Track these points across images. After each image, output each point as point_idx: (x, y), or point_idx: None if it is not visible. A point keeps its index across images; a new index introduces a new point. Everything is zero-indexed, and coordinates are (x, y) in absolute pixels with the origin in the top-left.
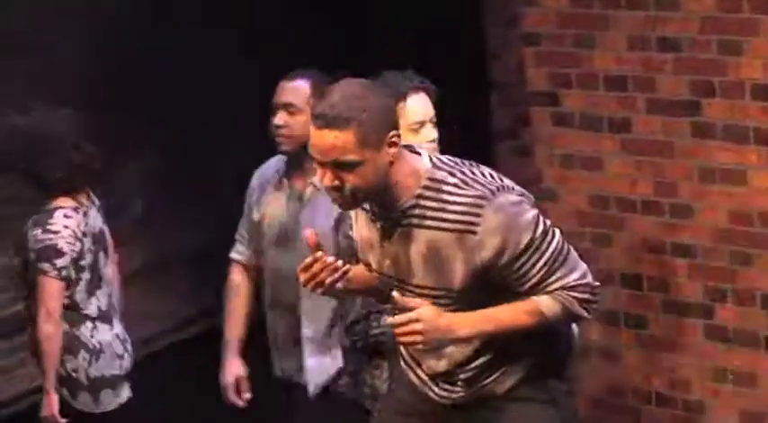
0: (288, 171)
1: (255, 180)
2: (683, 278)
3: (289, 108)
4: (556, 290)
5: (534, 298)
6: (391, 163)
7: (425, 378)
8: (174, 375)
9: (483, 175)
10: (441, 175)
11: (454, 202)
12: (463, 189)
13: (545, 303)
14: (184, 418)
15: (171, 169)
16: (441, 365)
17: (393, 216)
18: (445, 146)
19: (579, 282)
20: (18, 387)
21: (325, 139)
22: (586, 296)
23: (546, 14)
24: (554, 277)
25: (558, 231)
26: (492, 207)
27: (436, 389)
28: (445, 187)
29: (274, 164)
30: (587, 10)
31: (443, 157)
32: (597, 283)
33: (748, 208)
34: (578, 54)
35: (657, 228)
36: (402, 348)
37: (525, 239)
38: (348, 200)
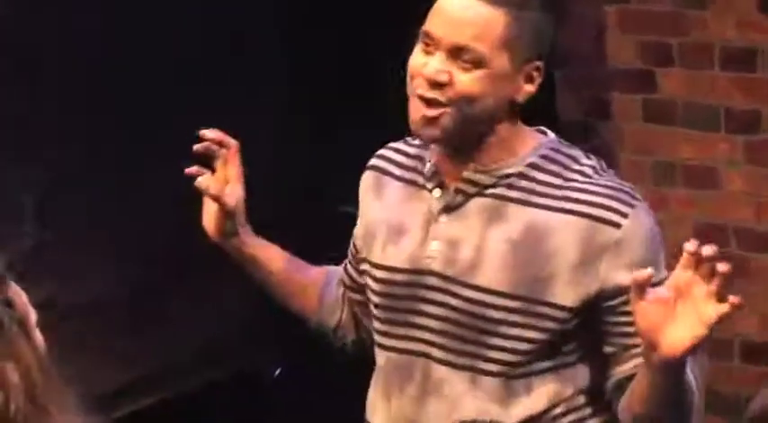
0: None
1: None
2: None
3: None
4: None
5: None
6: (515, 106)
7: None
8: None
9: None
10: (573, 152)
11: (592, 183)
12: (603, 175)
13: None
14: None
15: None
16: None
17: (478, 179)
18: None
19: None
20: None
21: (467, 10)
22: None
23: None
24: None
25: None
26: (645, 207)
27: None
28: (577, 166)
29: None
30: None
31: None
32: None
33: None
34: (684, 15)
35: None
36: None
37: (657, 270)
38: (437, 113)
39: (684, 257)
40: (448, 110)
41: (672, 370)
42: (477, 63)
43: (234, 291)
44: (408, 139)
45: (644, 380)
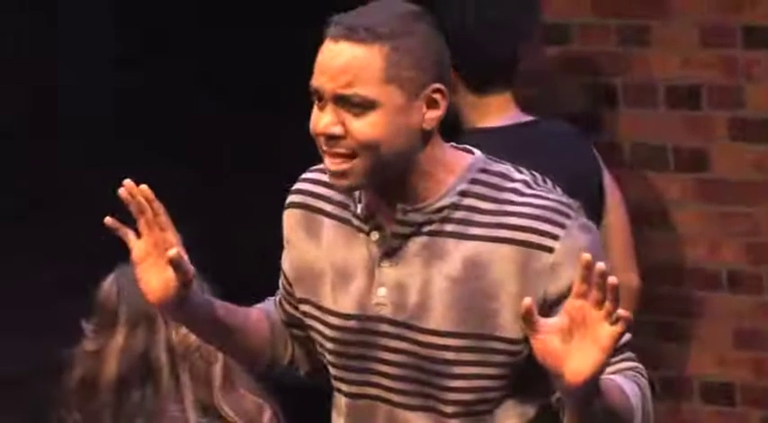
0: None
1: None
2: None
3: None
4: (627, 369)
5: (610, 376)
6: (427, 136)
7: None
8: None
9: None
10: (503, 168)
11: (524, 204)
12: (536, 190)
13: (626, 385)
14: None
15: None
16: None
17: (411, 219)
18: None
19: (641, 366)
20: None
21: (339, 56)
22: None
23: None
24: (624, 354)
25: None
26: (578, 223)
27: None
28: (509, 184)
29: None
30: None
31: None
32: None
33: None
34: (627, 54)
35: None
36: None
37: None
38: (346, 166)
39: (576, 286)
40: (356, 161)
41: (582, 397)
42: (367, 106)
43: None
44: (323, 166)
45: (567, 410)
